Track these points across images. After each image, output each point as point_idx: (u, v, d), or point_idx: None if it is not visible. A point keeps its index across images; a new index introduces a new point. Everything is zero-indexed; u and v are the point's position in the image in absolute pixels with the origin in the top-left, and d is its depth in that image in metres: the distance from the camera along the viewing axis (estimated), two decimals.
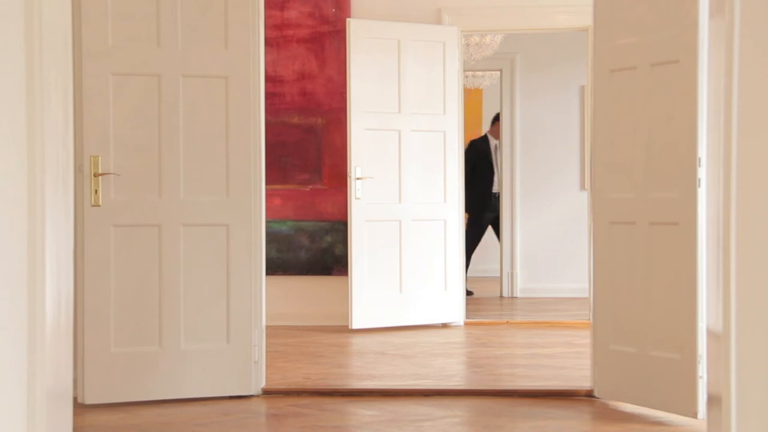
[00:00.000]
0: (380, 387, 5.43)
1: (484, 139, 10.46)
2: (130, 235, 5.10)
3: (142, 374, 5.11)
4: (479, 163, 10.23)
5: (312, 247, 8.09)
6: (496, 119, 10.43)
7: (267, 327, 5.44)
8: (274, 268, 7.91)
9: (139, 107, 5.12)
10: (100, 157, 5.02)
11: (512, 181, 10.39)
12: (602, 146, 5.11)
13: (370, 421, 4.74)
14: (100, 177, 5.02)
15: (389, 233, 7.80)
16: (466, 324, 7.98)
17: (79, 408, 4.91)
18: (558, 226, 10.13)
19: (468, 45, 9.66)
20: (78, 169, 4.94)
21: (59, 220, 3.33)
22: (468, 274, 9.20)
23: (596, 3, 5.16)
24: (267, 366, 5.48)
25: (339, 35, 7.98)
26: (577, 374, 5.71)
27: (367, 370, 6.12)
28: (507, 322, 8.22)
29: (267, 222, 6.44)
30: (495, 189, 10.25)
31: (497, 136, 10.32)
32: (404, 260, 7.84)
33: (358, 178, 7.67)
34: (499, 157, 10.26)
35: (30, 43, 3.05)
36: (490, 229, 10.43)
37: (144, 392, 5.11)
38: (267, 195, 6.99)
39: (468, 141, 9.89)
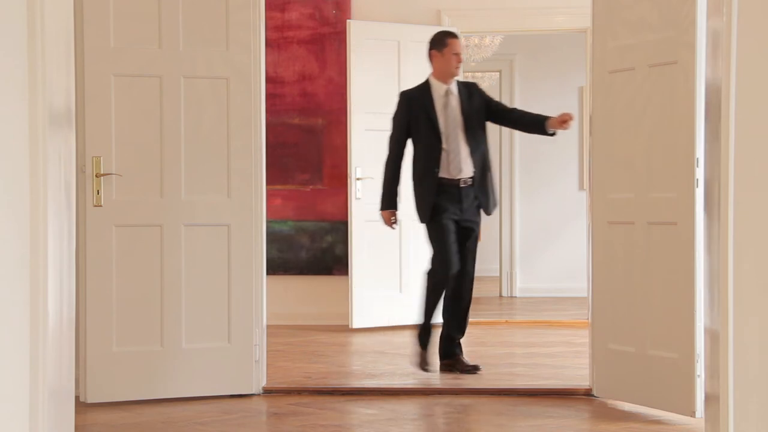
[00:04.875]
0: (380, 386, 5.45)
1: (421, 90, 6.04)
2: (132, 235, 5.12)
3: (143, 373, 5.13)
4: (415, 125, 5.96)
5: (312, 247, 8.11)
6: (445, 39, 6.05)
7: (268, 326, 5.46)
8: (275, 267, 7.93)
9: (141, 108, 5.14)
10: (101, 158, 5.04)
11: (511, 181, 10.42)
12: (601, 146, 5.13)
13: (370, 419, 4.76)
14: (102, 177, 5.04)
15: (389, 233, 7.80)
16: None
17: (81, 407, 4.93)
18: (557, 225, 10.16)
19: (467, 46, 9.68)
20: (80, 170, 4.96)
21: (61, 220, 3.35)
22: None
23: (595, 4, 5.17)
24: (268, 365, 5.49)
25: (339, 36, 8.00)
26: (576, 373, 5.73)
27: (368, 369, 6.14)
28: (506, 321, 8.25)
29: (268, 222, 6.45)
30: (446, 173, 5.90)
31: (446, 73, 6.00)
32: (404, 260, 7.86)
33: (358, 179, 7.70)
34: (451, 112, 5.95)
35: (32, 44, 3.07)
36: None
37: (145, 391, 5.13)
38: (268, 195, 6.99)
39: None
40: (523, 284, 10.19)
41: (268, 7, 7.58)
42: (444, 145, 5.87)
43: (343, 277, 7.91)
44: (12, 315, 3.00)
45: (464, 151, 5.88)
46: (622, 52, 4.97)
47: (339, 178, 8.01)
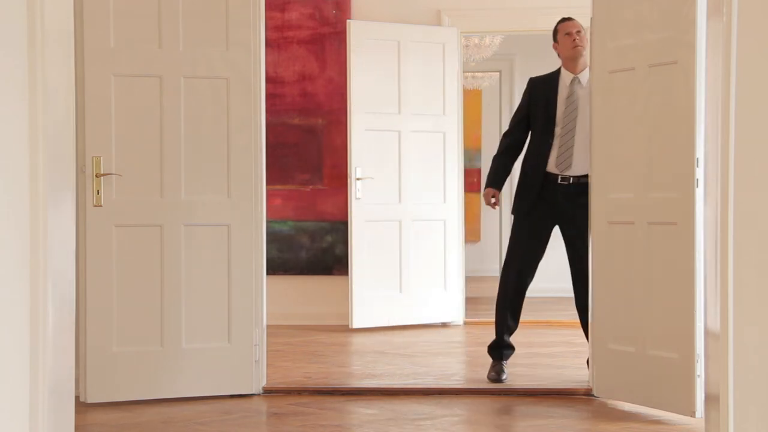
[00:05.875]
0: (380, 386, 5.45)
1: (549, 78, 5.82)
2: (132, 235, 5.13)
3: (143, 373, 5.13)
4: (533, 113, 5.73)
5: (312, 247, 8.11)
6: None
7: (268, 326, 5.46)
8: (275, 267, 7.93)
9: (141, 108, 5.15)
10: (101, 158, 5.05)
11: (511, 180, 10.39)
12: (601, 146, 5.13)
13: (370, 419, 4.76)
14: (102, 177, 5.04)
15: (389, 233, 7.83)
16: (465, 323, 8.00)
17: (81, 407, 4.93)
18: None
19: (467, 46, 9.67)
20: (80, 170, 4.97)
21: (61, 220, 3.35)
22: (467, 274, 8.55)
23: (595, 4, 5.18)
24: (268, 365, 5.49)
25: (339, 36, 8.00)
26: (576, 373, 5.73)
27: (368, 369, 6.14)
28: None
29: (268, 222, 6.47)
30: (553, 167, 5.58)
31: (573, 62, 5.72)
32: (404, 260, 7.86)
33: (358, 179, 7.70)
34: (573, 103, 5.57)
35: (32, 44, 3.07)
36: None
37: (145, 391, 5.14)
38: (268, 195, 7.01)
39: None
40: None
41: (268, 7, 7.58)
42: (556, 136, 5.53)
43: (343, 277, 7.91)
44: (12, 315, 3.00)
45: (581, 145, 5.45)
46: (622, 52, 4.97)
47: (339, 178, 8.01)
